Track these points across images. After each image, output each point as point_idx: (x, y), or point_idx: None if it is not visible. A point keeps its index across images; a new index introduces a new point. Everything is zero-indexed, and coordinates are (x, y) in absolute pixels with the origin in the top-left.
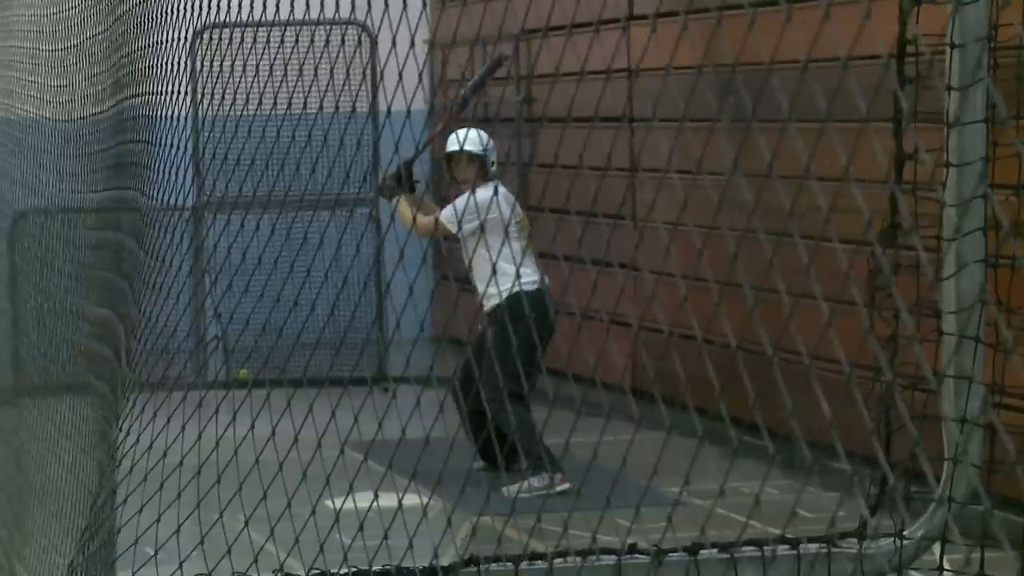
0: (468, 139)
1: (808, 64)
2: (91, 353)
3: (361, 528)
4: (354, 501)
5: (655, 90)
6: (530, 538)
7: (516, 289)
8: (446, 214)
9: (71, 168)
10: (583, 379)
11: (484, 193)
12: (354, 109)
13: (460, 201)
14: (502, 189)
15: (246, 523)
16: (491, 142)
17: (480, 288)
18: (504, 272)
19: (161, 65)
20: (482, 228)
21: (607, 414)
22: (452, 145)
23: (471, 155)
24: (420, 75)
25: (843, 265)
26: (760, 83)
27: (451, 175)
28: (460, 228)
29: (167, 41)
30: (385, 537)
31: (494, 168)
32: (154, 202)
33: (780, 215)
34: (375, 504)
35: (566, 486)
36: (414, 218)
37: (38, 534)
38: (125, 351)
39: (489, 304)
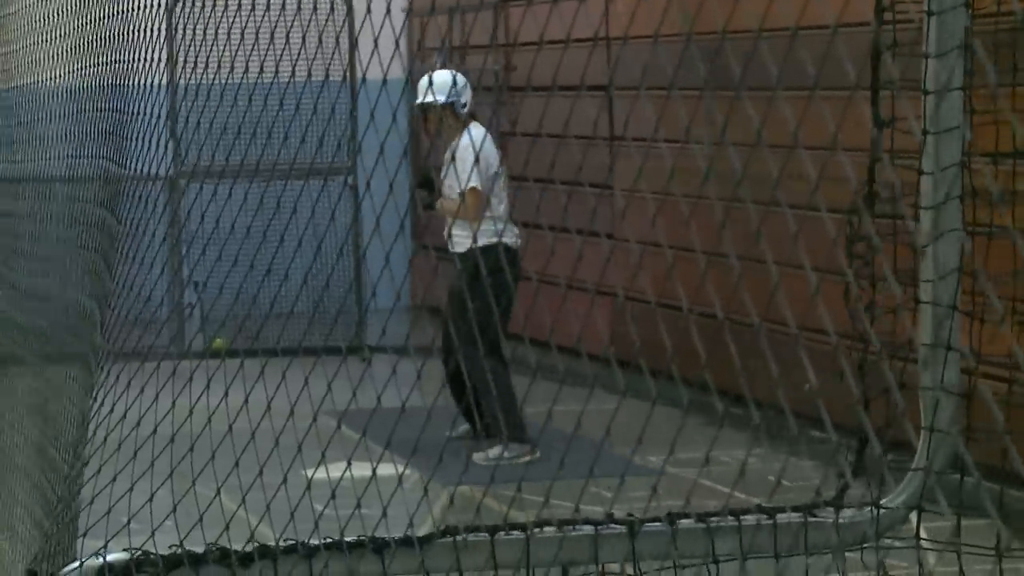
0: (436, 85)
1: (797, 32)
2: (31, 326)
3: (333, 496)
4: (327, 470)
5: (639, 58)
6: (485, 501)
7: (503, 240)
8: (473, 182)
9: (12, 136)
10: (566, 349)
11: (479, 132)
12: (327, 77)
13: (470, 153)
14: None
15: (218, 492)
16: (461, 81)
17: (467, 229)
18: (493, 218)
19: (137, 32)
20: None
21: (591, 384)
22: (422, 96)
23: (443, 104)
24: (397, 42)
25: (831, 233)
26: (747, 51)
27: (425, 127)
28: (488, 181)
29: (143, 7)
30: (358, 506)
31: (466, 109)
32: (129, 171)
33: (765, 184)
34: (349, 473)
35: (532, 457)
36: (458, 208)
37: (14, 503)
38: (99, 322)
39: (464, 246)
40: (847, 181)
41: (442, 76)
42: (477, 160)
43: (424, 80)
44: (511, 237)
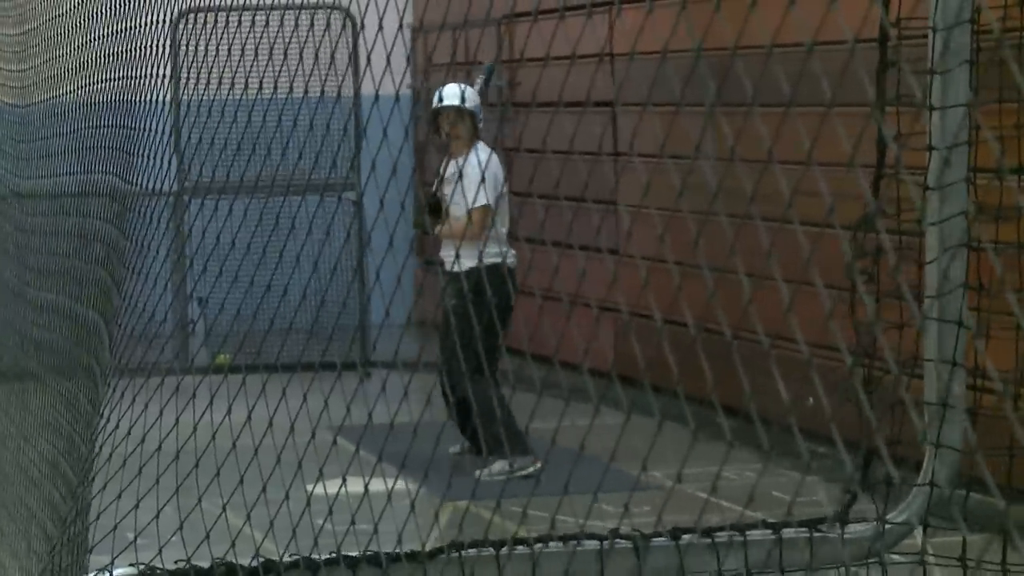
0: (463, 95)
1: (773, 49)
2: (43, 342)
3: (330, 512)
4: (325, 487)
5: (644, 74)
6: (497, 518)
7: (499, 261)
8: (482, 201)
9: (28, 153)
10: (568, 364)
11: (492, 155)
12: (333, 94)
13: (476, 171)
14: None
15: (224, 508)
16: (479, 100)
17: (461, 251)
18: (497, 239)
19: (141, 49)
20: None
21: (567, 398)
22: (448, 99)
23: (463, 111)
24: (388, 59)
25: (842, 250)
26: (727, 68)
27: (438, 131)
28: (496, 201)
29: (148, 24)
30: (352, 523)
31: (482, 126)
32: (135, 187)
33: (745, 199)
34: (348, 489)
35: (535, 467)
36: (464, 228)
37: (30, 518)
38: (107, 337)
39: (466, 266)
40: (858, 198)
41: (469, 88)
42: (483, 179)
43: (447, 88)
44: (510, 258)
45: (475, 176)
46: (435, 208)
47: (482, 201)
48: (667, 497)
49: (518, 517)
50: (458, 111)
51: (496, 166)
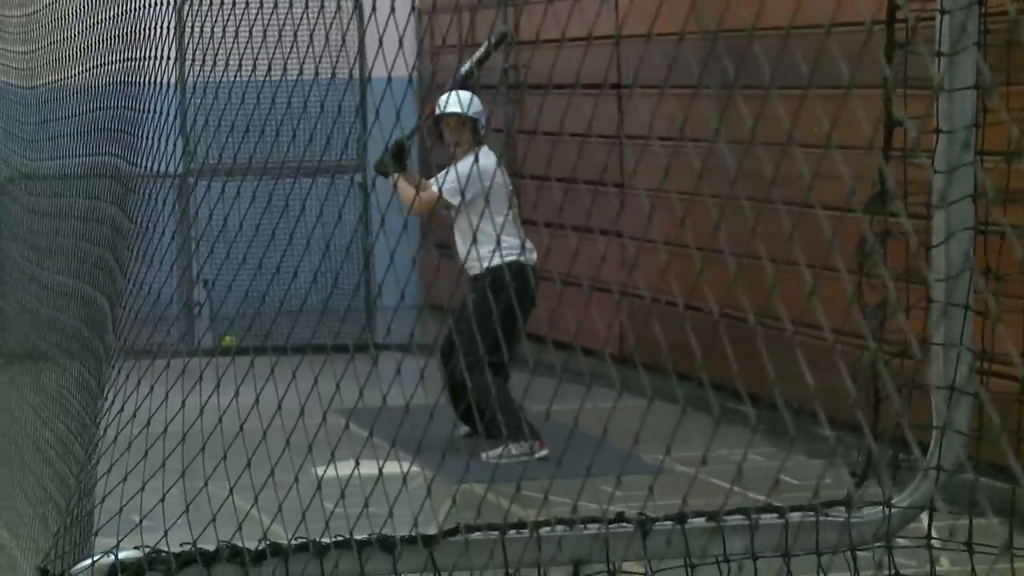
0: (462, 101)
1: (791, 31)
2: (54, 323)
3: (343, 496)
4: (336, 469)
5: (640, 56)
6: (511, 504)
7: (518, 258)
8: (448, 187)
9: (33, 135)
10: (566, 346)
11: (487, 160)
12: (344, 76)
13: (462, 168)
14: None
15: (231, 491)
16: (482, 106)
17: (476, 253)
18: (498, 241)
19: (147, 30)
20: (485, 196)
21: (588, 382)
22: (447, 106)
23: (464, 118)
24: (401, 40)
25: (827, 232)
26: (743, 50)
27: (439, 136)
28: (463, 197)
29: (153, 5)
30: (366, 505)
31: (483, 132)
32: (140, 169)
33: (764, 182)
34: (359, 472)
35: (544, 452)
36: (416, 193)
37: (18, 500)
38: (110, 319)
39: (481, 268)
40: (848, 180)
41: (466, 94)
42: (458, 176)
43: (446, 95)
44: (529, 252)
45: (462, 168)
46: (399, 153)
47: (448, 187)
48: (691, 482)
49: (522, 499)
50: (459, 118)
51: (489, 167)
